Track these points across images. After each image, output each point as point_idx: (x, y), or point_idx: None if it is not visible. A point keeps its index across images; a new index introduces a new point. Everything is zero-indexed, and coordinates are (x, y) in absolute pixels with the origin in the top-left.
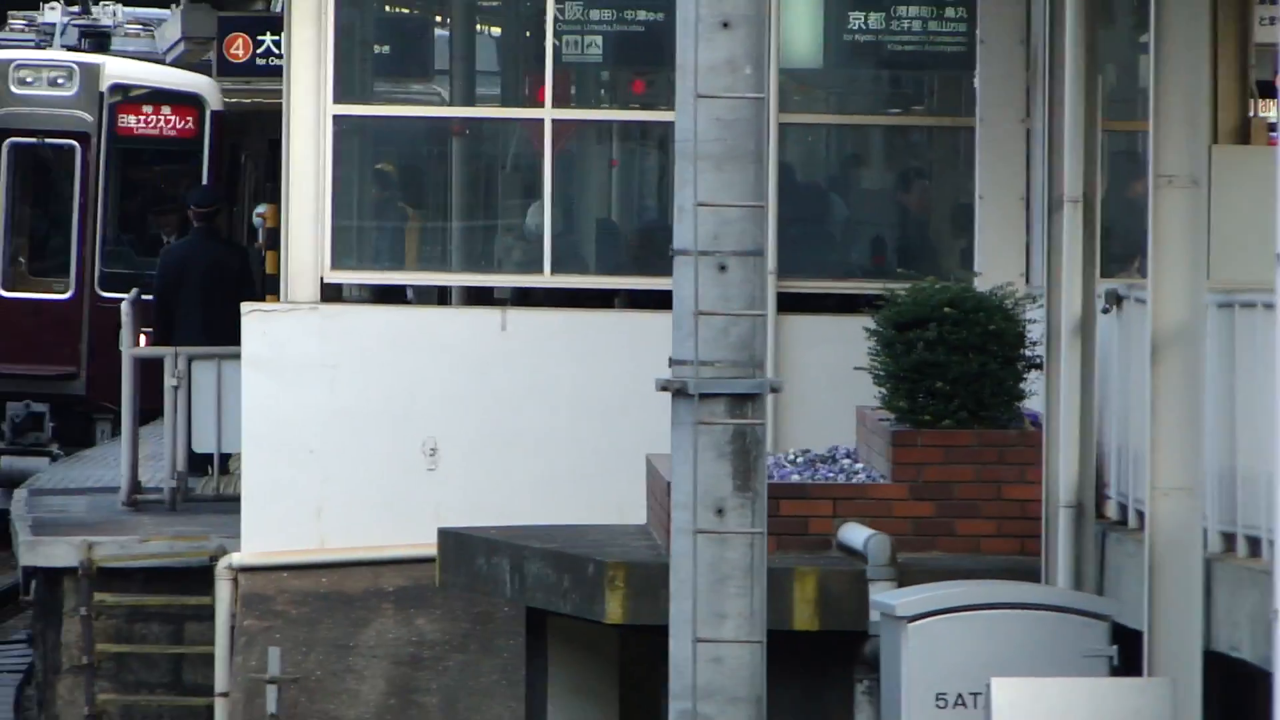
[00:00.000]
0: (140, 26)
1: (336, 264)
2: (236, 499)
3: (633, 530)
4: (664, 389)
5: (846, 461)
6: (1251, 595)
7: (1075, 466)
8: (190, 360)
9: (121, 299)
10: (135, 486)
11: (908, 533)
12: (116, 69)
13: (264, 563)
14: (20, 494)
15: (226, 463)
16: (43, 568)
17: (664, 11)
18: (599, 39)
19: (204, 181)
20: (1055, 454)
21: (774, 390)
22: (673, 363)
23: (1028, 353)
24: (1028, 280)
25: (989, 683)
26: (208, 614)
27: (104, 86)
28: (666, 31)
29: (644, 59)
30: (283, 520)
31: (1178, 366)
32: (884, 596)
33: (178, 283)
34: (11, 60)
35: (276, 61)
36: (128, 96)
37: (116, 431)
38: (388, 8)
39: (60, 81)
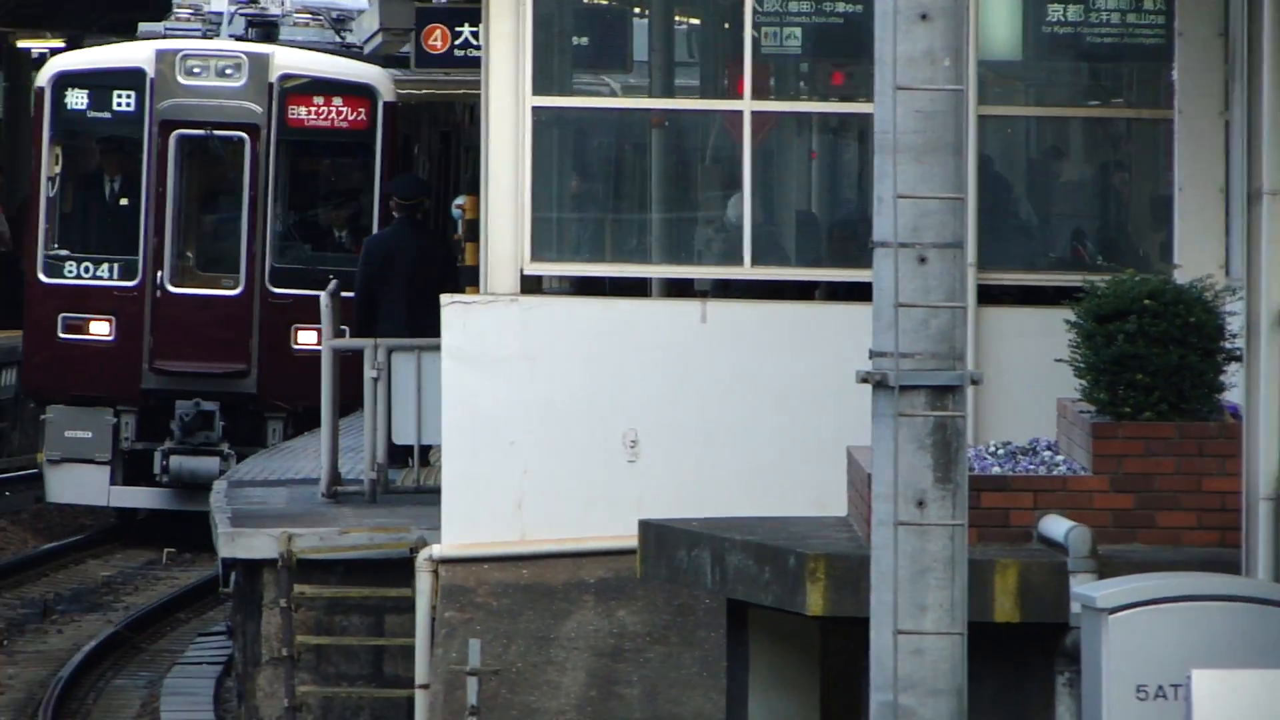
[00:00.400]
0: (309, 15)
1: (536, 256)
2: (436, 491)
3: (833, 522)
4: (864, 381)
5: (1047, 454)
6: None
7: (1275, 459)
8: (390, 352)
9: (292, 295)
10: (335, 478)
11: (1108, 525)
12: (286, 59)
13: (464, 555)
14: (220, 485)
15: (426, 455)
16: (242, 559)
17: (862, 3)
18: (798, 30)
19: (376, 174)
20: (1255, 447)
21: (974, 383)
22: (873, 355)
23: (1227, 345)
24: (1227, 272)
25: (1189, 674)
26: (407, 606)
27: (273, 77)
28: (865, 23)
29: (843, 51)
30: (483, 512)
31: None
32: (1085, 588)
33: (382, 273)
34: (179, 50)
35: (475, 53)
36: (298, 87)
37: (289, 431)
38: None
39: (229, 72)
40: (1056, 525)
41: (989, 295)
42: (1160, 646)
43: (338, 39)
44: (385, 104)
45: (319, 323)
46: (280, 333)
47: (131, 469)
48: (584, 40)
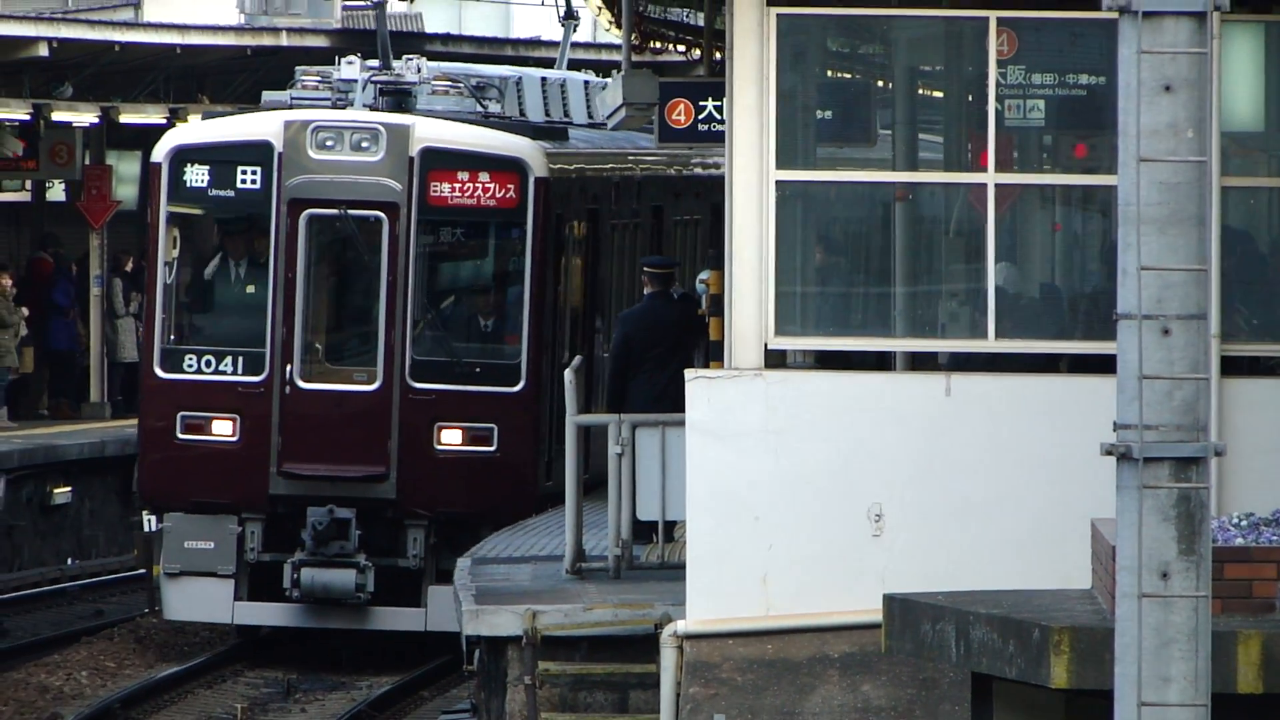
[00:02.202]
0: (449, 83)
1: (780, 330)
2: (681, 567)
3: (1077, 595)
4: (1108, 453)
5: None
6: None
7: None
8: (635, 427)
9: (434, 390)
10: (580, 555)
11: None
12: (428, 131)
13: (709, 630)
14: (463, 563)
15: (671, 530)
16: (486, 636)
17: (1105, 75)
18: (1041, 103)
19: (527, 256)
20: None
21: (1218, 454)
22: (1117, 427)
23: None
24: None
25: None
26: (652, 682)
27: (414, 151)
28: (1108, 95)
29: (1085, 123)
30: (728, 587)
31: None
32: None
33: (635, 344)
34: (310, 121)
35: (719, 127)
36: (441, 162)
37: (431, 540)
38: (830, 73)
39: (365, 145)
40: None
41: (1233, 366)
42: None
43: (479, 108)
44: (537, 179)
45: (463, 420)
46: (422, 432)
47: (258, 582)
48: (827, 114)
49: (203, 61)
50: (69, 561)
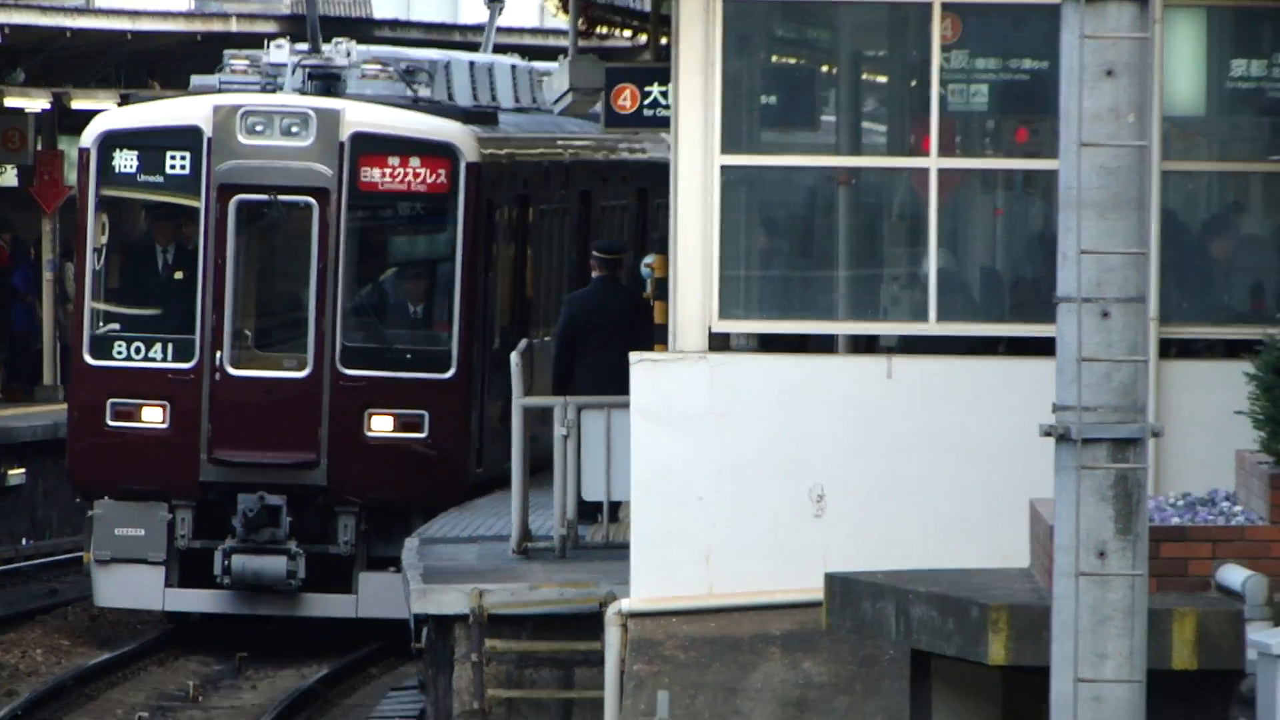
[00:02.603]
0: (379, 67)
1: (724, 313)
2: (625, 546)
3: (1015, 574)
4: (1047, 434)
5: (1226, 504)
6: None
7: None
8: (580, 410)
9: (365, 376)
10: (526, 535)
11: None
12: (358, 115)
13: (653, 608)
14: (411, 543)
15: (616, 511)
16: (434, 615)
17: (1048, 60)
18: (984, 88)
19: (458, 242)
20: None
21: (1155, 435)
22: (1056, 408)
23: None
24: None
25: None
26: (597, 659)
27: (344, 135)
28: (1051, 80)
29: (1028, 107)
30: (671, 566)
31: None
32: (1261, 636)
33: (580, 329)
34: (239, 106)
35: (664, 112)
36: (371, 146)
37: (362, 526)
38: (774, 58)
39: (295, 130)
40: (1234, 574)
41: (1171, 349)
42: None
43: (409, 92)
44: (468, 164)
45: (394, 407)
46: (352, 418)
47: (188, 569)
48: (772, 99)
49: (153, 47)
50: (23, 541)
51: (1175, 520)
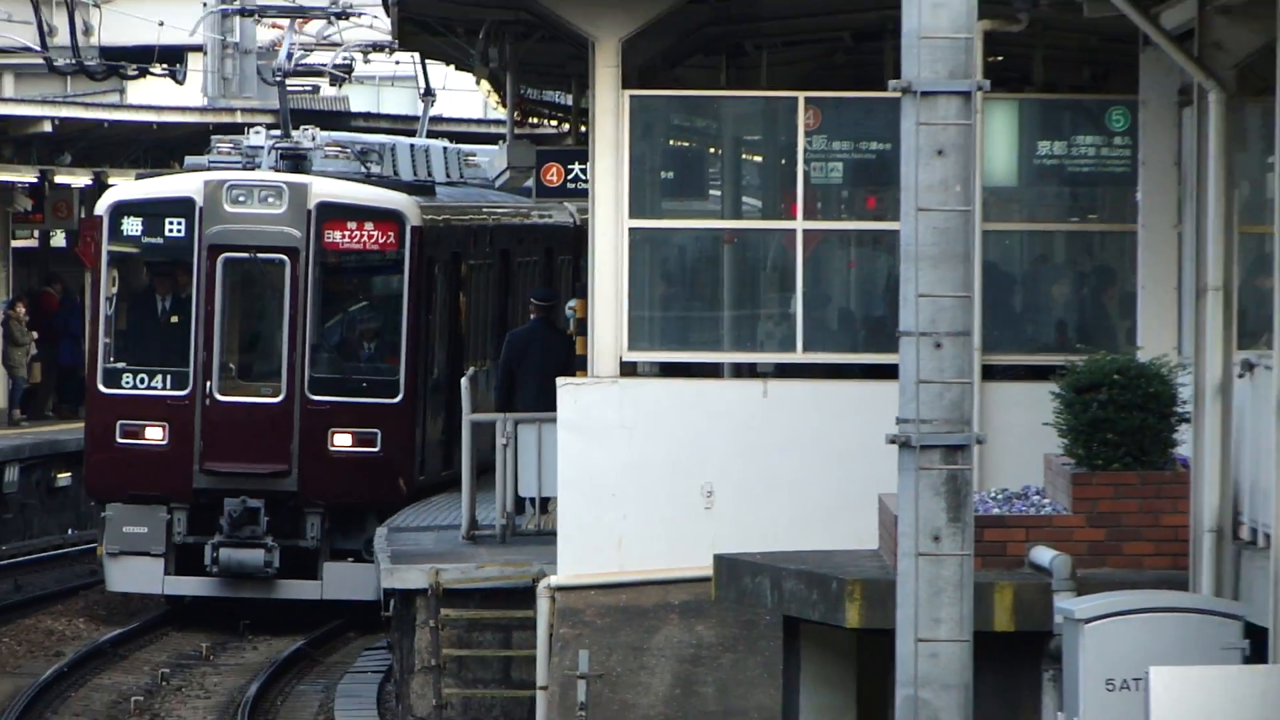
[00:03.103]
0: (338, 148)
1: (632, 346)
2: (553, 533)
3: (867, 554)
4: (892, 442)
5: (1036, 498)
6: None
7: (1216, 499)
8: (516, 424)
9: (329, 401)
10: (473, 524)
11: (1084, 553)
12: (322, 188)
13: (576, 583)
14: (381, 531)
15: (545, 505)
16: (399, 589)
17: (891, 142)
18: (840, 165)
19: (404, 291)
20: (1200, 490)
21: (979, 442)
22: (899, 421)
23: (1179, 410)
24: (1179, 352)
25: (1148, 671)
26: (531, 625)
27: (311, 204)
28: (893, 158)
29: (875, 180)
30: (590, 549)
31: None
32: (1066, 603)
33: (519, 359)
34: (225, 181)
35: (583, 185)
36: (333, 213)
37: (326, 525)
38: (671, 142)
39: (270, 200)
40: (1044, 554)
41: (991, 373)
42: (1125, 649)
43: (363, 169)
44: (413, 228)
45: (353, 426)
46: (318, 436)
47: (183, 560)
48: (670, 174)
49: (174, 135)
50: (69, 532)
51: (996, 511)
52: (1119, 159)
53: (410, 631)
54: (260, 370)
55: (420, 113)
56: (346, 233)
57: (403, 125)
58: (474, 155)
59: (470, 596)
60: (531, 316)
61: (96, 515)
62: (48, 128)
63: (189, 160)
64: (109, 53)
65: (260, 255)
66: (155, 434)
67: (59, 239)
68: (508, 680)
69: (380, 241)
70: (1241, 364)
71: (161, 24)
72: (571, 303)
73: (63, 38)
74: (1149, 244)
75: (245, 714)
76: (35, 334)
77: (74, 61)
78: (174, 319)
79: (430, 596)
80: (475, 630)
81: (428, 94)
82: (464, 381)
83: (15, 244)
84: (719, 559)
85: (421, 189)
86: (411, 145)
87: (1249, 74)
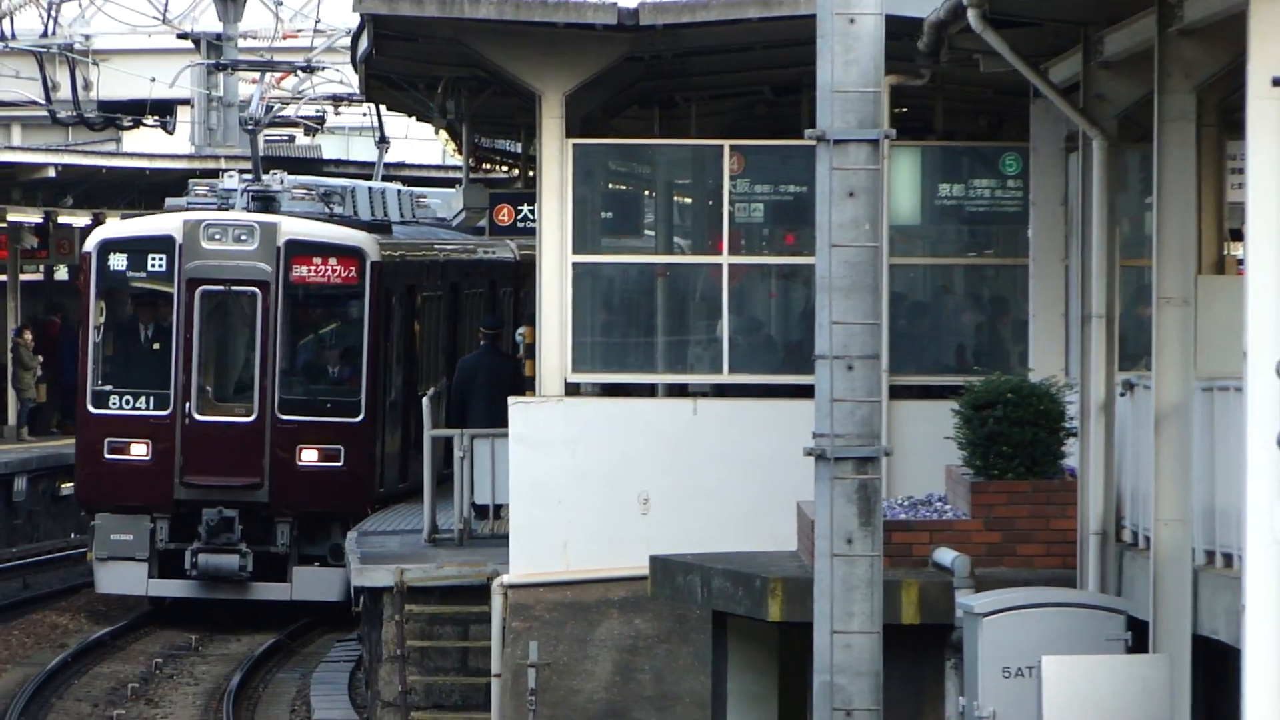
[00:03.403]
0: (304, 190)
1: (576, 368)
2: (505, 537)
3: (787, 555)
4: (809, 454)
5: (939, 504)
6: (1226, 595)
7: (1101, 506)
8: (473, 439)
9: (297, 420)
10: (434, 529)
11: (982, 554)
12: (291, 227)
13: (526, 581)
14: (352, 535)
15: (499, 511)
16: (368, 587)
17: (807, 185)
18: (761, 205)
19: (365, 320)
20: (1087, 497)
21: (887, 454)
22: (815, 436)
23: (1066, 425)
24: (1066, 373)
25: (1040, 660)
26: (486, 619)
27: (280, 242)
28: (809, 200)
29: (793, 219)
30: (539, 551)
31: (1174, 433)
32: (966, 599)
33: (470, 381)
34: (202, 220)
35: (531, 224)
36: (300, 249)
37: (294, 533)
38: (610, 185)
39: (243, 238)
40: (945, 555)
41: (898, 392)
42: (1019, 639)
43: (326, 209)
44: (372, 263)
45: (319, 443)
46: (287, 452)
47: (165, 565)
48: (609, 214)
49: (164, 179)
50: (72, 535)
51: (903, 516)
52: (1012, 200)
53: (378, 625)
54: (234, 392)
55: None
56: (312, 267)
57: (369, 171)
58: (425, 197)
59: (431, 593)
60: (480, 342)
61: (86, 524)
62: (52, 173)
63: (169, 202)
64: (106, 106)
65: (234, 288)
66: (139, 450)
67: (62, 273)
68: (465, 669)
69: (343, 275)
70: (1123, 384)
71: (153, 80)
72: (521, 329)
73: (65, 92)
74: (1039, 276)
75: (230, 699)
76: (41, 358)
77: (75, 114)
78: (156, 346)
79: (396, 594)
80: (436, 624)
81: (383, 141)
82: (425, 401)
83: (22, 277)
84: (654, 560)
85: (379, 227)
86: (369, 188)
87: (1128, 123)
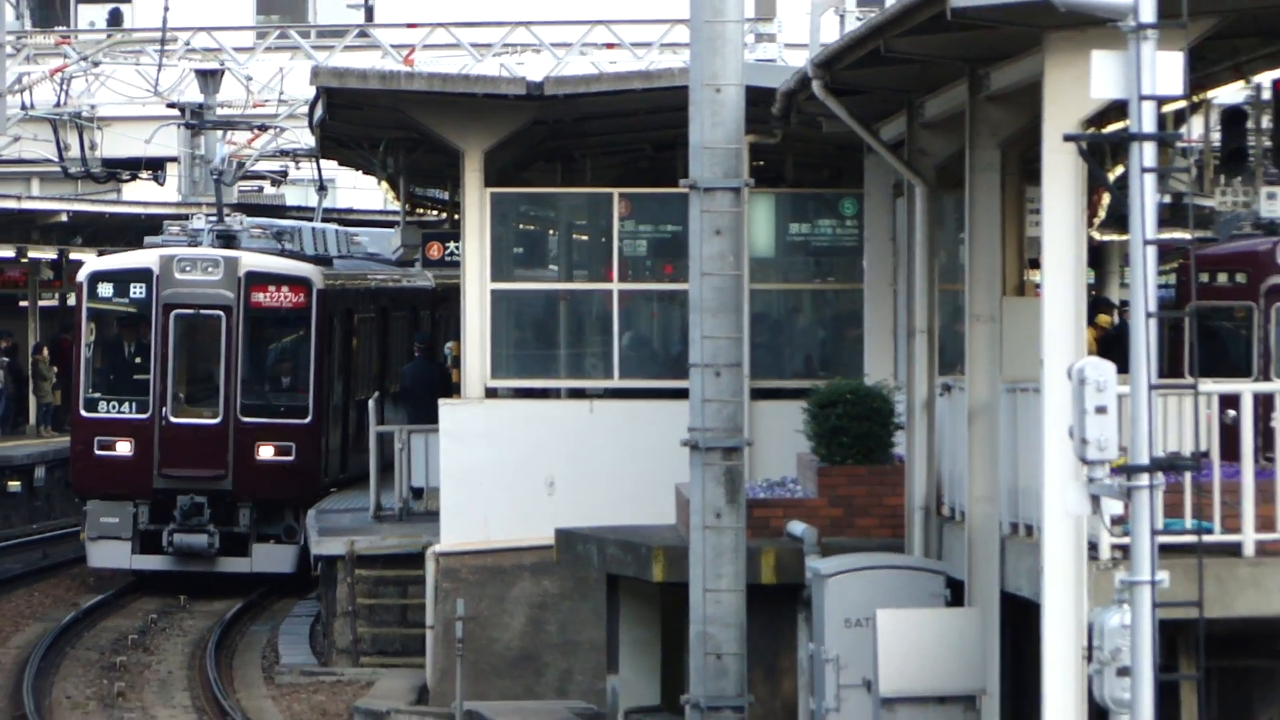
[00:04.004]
0: (260, 230)
1: (494, 375)
2: (437, 514)
3: (667, 528)
4: (685, 445)
5: (791, 485)
6: (1027, 558)
7: (924, 486)
8: (410, 433)
9: (255, 422)
10: (378, 507)
11: (827, 526)
12: (250, 260)
13: (454, 550)
14: (311, 513)
15: (434, 492)
16: (325, 555)
17: (682, 225)
18: (645, 241)
19: (311, 338)
20: (912, 479)
21: (748, 445)
22: (690, 430)
23: (896, 420)
24: (895, 377)
25: (875, 612)
26: (421, 581)
27: (241, 273)
28: (684, 237)
29: (671, 253)
30: (464, 525)
31: (983, 427)
32: (813, 563)
33: (412, 387)
34: (175, 255)
35: (457, 258)
36: (257, 279)
37: (254, 516)
38: (520, 226)
39: (210, 270)
40: (797, 527)
41: (757, 394)
42: (857, 596)
43: (279, 245)
44: (318, 290)
45: (273, 440)
46: (248, 448)
47: (146, 543)
48: (520, 249)
49: (157, 222)
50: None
51: (762, 495)
52: (849, 236)
53: (333, 586)
54: (203, 398)
55: (333, 204)
56: (268, 294)
57: (330, 216)
58: (357, 236)
59: (377, 560)
60: (415, 354)
61: (78, 510)
62: (64, 218)
63: (148, 239)
64: (109, 162)
65: (202, 311)
66: (124, 447)
67: (73, 300)
68: (405, 622)
69: (294, 301)
70: (941, 386)
71: (147, 141)
72: (449, 344)
73: (74, 151)
74: (872, 298)
75: (213, 646)
76: (56, 369)
77: (83, 169)
78: (137, 360)
79: (348, 560)
80: (381, 585)
81: (321, 188)
82: (370, 403)
83: (40, 304)
84: (559, 532)
85: (322, 260)
86: (313, 228)
87: (945, 173)
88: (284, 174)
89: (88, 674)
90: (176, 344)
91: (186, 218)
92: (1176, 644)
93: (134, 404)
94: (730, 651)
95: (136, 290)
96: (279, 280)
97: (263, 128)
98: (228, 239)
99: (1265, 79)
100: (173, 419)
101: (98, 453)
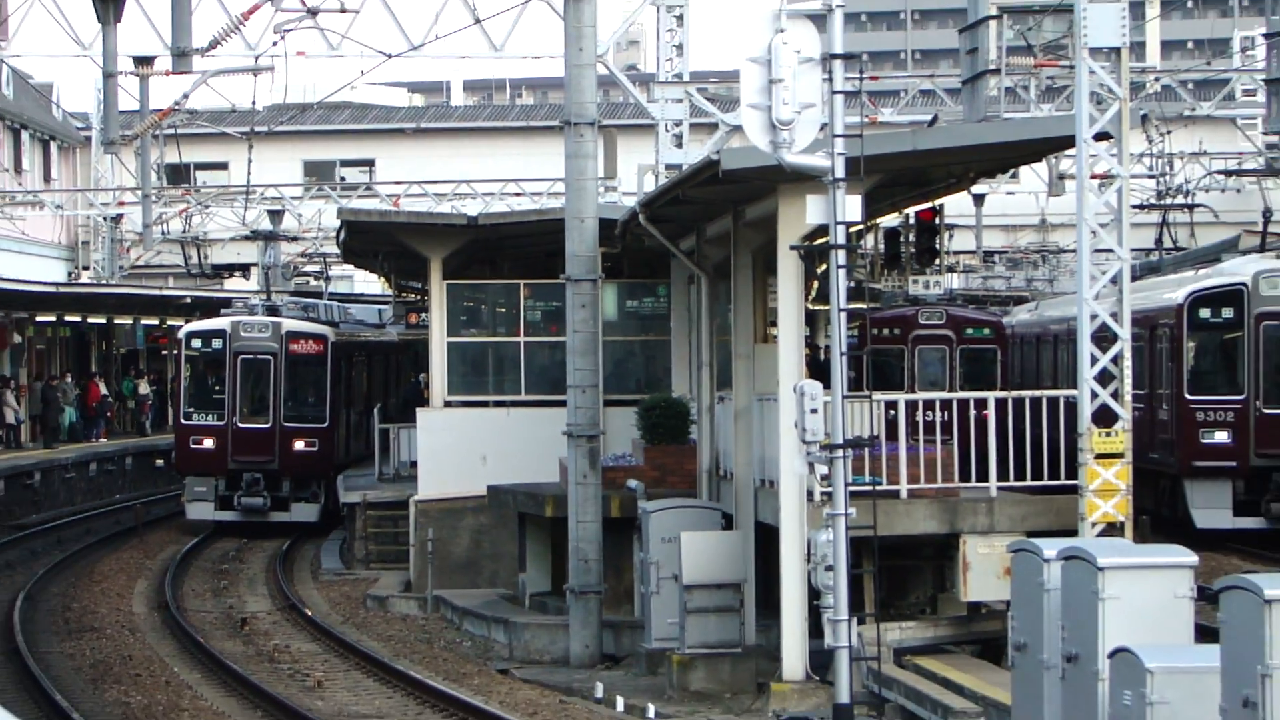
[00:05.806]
0: (294, 303)
1: (450, 393)
2: (415, 477)
3: (554, 485)
4: (565, 434)
5: (629, 458)
6: (771, 500)
7: (709, 457)
8: (399, 429)
9: (293, 427)
10: (380, 474)
11: (650, 482)
12: (289, 325)
13: (427, 499)
14: (340, 479)
15: (414, 464)
16: (349, 502)
17: (563, 302)
18: (540, 311)
19: (328, 375)
20: (702, 453)
21: (602, 434)
22: (568, 424)
23: (692, 418)
24: (690, 392)
25: (679, 534)
26: (406, 518)
27: (283, 331)
28: (562, 309)
29: (556, 319)
30: (434, 483)
31: (744, 422)
32: (643, 505)
33: (410, 398)
34: (240, 321)
35: (426, 324)
36: (293, 335)
37: (292, 486)
38: (465, 303)
39: (262, 330)
40: (633, 483)
41: (609, 403)
42: (669, 523)
43: (307, 314)
44: (331, 342)
45: (305, 438)
46: (288, 442)
47: (223, 503)
48: (464, 317)
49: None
50: (169, 489)
51: (611, 464)
52: (662, 308)
53: (354, 521)
54: (259, 411)
55: (350, 289)
56: (300, 344)
57: (354, 297)
58: (350, 309)
59: (380, 505)
60: (412, 380)
61: (180, 482)
62: (188, 300)
63: (223, 311)
64: (215, 267)
65: (259, 356)
66: (209, 443)
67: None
68: (397, 542)
69: (316, 349)
70: (718, 398)
71: (239, 254)
72: (422, 375)
73: (194, 261)
74: (676, 345)
75: (281, 557)
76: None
77: (199, 271)
78: (216, 388)
79: (362, 505)
80: (382, 520)
81: (326, 279)
82: (376, 411)
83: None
84: (490, 488)
85: (333, 324)
86: (323, 304)
87: (719, 269)
88: (321, 272)
89: (202, 576)
90: (241, 377)
91: (248, 298)
92: (860, 551)
93: (214, 414)
94: (593, 558)
95: (216, 343)
96: (307, 336)
97: (294, 238)
98: (273, 310)
99: (911, 211)
100: (239, 424)
101: (192, 446)
